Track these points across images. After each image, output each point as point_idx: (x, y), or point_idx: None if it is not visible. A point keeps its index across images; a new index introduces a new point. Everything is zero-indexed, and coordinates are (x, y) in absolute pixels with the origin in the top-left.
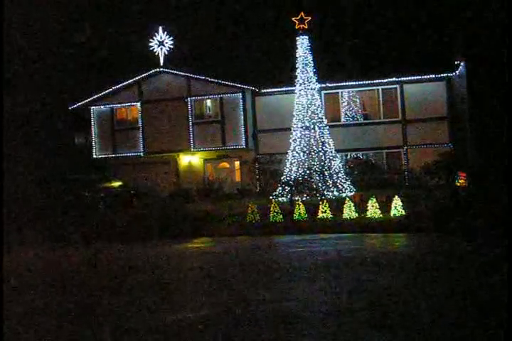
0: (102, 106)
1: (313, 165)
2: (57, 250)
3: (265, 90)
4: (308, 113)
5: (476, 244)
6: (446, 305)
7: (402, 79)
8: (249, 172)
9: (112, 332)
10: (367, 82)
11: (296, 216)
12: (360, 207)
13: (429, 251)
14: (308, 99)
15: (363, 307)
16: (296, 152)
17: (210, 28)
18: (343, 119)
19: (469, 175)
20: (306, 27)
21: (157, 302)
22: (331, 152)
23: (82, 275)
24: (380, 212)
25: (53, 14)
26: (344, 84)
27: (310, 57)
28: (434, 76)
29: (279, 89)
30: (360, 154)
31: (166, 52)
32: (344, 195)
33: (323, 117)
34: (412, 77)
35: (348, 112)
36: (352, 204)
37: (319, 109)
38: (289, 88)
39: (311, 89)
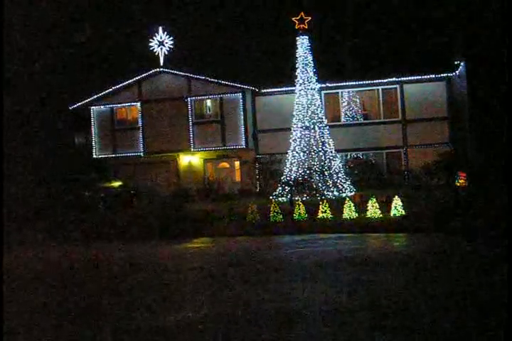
0: (102, 106)
1: (313, 165)
2: (58, 250)
3: (265, 90)
4: (308, 113)
5: (476, 244)
6: (446, 305)
7: (402, 79)
8: (249, 172)
9: (112, 332)
10: (367, 82)
11: (296, 216)
12: (360, 207)
13: (429, 251)
14: (308, 99)
15: (363, 307)
16: (296, 152)
17: (210, 28)
18: (343, 119)
19: (469, 175)
20: (306, 27)
21: (157, 302)
22: (331, 152)
23: (82, 275)
24: (380, 212)
25: (53, 14)
26: (344, 84)
27: (310, 57)
28: (434, 76)
29: (279, 89)
30: (360, 154)
31: (166, 52)
32: (344, 195)
33: (323, 117)
34: (412, 77)
35: (348, 112)
36: (352, 204)
37: (319, 109)
38: (289, 88)
39: (311, 89)
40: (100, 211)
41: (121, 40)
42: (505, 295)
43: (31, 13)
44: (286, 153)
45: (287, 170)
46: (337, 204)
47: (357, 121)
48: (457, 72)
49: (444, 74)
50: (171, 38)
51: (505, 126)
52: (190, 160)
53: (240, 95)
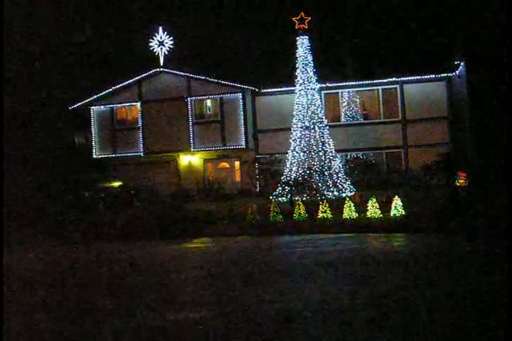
0: (102, 106)
1: (313, 165)
2: (58, 250)
3: (265, 90)
4: (308, 113)
5: (476, 244)
6: (446, 304)
7: (402, 79)
8: (249, 172)
9: (112, 332)
10: (367, 82)
11: (296, 216)
12: (360, 207)
13: (429, 251)
14: (308, 99)
15: (363, 307)
16: (296, 152)
17: (210, 28)
18: (343, 119)
19: (469, 175)
20: (306, 27)
21: (157, 301)
22: (331, 152)
23: (83, 275)
24: (380, 212)
25: (53, 14)
26: (344, 84)
27: (310, 57)
28: (434, 76)
29: (279, 89)
30: (360, 154)
31: (166, 52)
32: (344, 195)
33: (323, 117)
34: (412, 77)
35: (348, 112)
36: (352, 204)
37: (319, 109)
38: (289, 88)
39: (311, 89)
40: (100, 211)
41: (121, 40)
42: (505, 295)
43: (31, 13)
44: (286, 153)
45: (287, 170)
46: (337, 204)
47: (357, 121)
48: (457, 72)
49: (444, 74)
50: (171, 38)
51: (505, 126)
52: (190, 160)
53: (239, 95)
